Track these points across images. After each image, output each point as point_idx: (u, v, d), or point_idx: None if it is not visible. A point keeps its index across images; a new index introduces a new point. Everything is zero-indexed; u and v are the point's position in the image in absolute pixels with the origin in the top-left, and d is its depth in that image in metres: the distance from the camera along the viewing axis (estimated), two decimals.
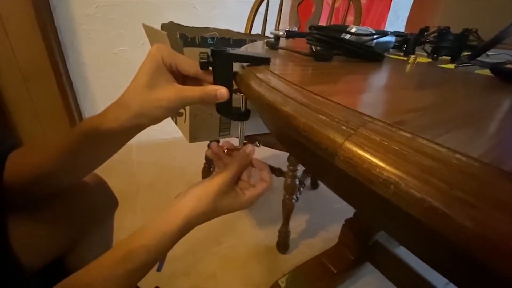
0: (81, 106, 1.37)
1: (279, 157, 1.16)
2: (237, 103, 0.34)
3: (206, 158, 1.09)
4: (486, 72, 0.41)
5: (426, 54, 0.56)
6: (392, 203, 0.12)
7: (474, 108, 0.22)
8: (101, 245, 0.58)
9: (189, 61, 0.33)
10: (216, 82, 0.32)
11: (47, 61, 1.11)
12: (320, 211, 1.22)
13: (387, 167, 0.13)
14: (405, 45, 0.56)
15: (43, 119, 1.20)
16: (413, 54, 0.55)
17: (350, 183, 0.16)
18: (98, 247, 0.57)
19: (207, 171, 1.11)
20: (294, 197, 0.95)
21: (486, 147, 0.14)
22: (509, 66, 0.37)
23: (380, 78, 0.33)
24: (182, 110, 0.79)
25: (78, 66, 1.29)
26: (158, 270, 1.00)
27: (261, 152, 1.17)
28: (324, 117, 0.18)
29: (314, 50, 0.39)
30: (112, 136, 0.33)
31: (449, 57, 0.53)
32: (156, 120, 0.33)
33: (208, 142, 1.09)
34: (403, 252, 0.85)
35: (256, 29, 1.20)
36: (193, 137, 0.78)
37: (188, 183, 1.31)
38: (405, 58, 0.51)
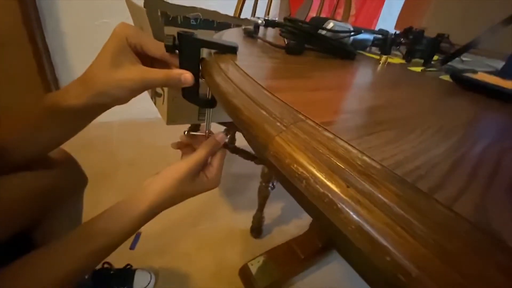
0: (59, 77, 1.32)
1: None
2: (206, 88, 0.34)
3: None
4: (449, 78, 0.43)
5: (401, 55, 0.58)
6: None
7: (414, 112, 0.24)
8: (68, 222, 0.58)
9: (156, 42, 0.32)
10: (182, 66, 0.32)
11: (22, 27, 1.05)
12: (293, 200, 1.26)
13: (303, 164, 0.14)
14: (383, 44, 0.57)
15: (18, 88, 1.14)
16: (389, 54, 0.56)
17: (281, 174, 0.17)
18: (64, 223, 0.57)
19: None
20: (271, 185, 0.97)
21: (394, 152, 0.15)
22: (469, 74, 0.39)
23: (341, 76, 0.34)
24: (160, 91, 0.77)
25: (56, 35, 1.23)
26: (132, 248, 1.01)
27: (243, 140, 1.18)
28: (264, 112, 0.19)
29: (286, 43, 0.39)
30: (74, 113, 0.33)
31: (422, 60, 0.55)
32: (120, 100, 0.33)
33: (187, 125, 1.08)
34: None
35: (247, 13, 1.17)
36: (171, 120, 0.77)
37: (167, 164, 1.30)
38: (379, 58, 0.52)
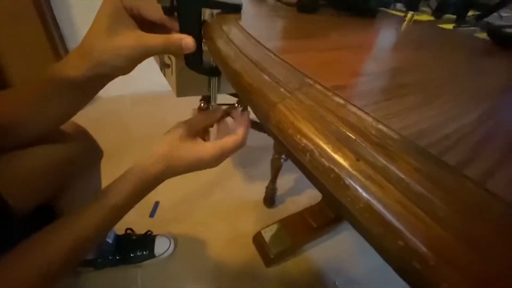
0: (69, 48, 1.32)
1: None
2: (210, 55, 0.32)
3: None
4: (485, 35, 0.38)
5: (430, 10, 0.51)
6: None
7: (442, 75, 0.20)
8: (88, 191, 0.61)
9: (153, 5, 0.29)
10: (182, 30, 0.29)
11: (30, 2, 1.03)
12: None
13: (307, 134, 0.13)
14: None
15: (29, 61, 1.16)
16: (416, 10, 0.49)
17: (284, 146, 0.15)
18: (85, 195, 0.60)
19: None
20: (283, 156, 0.96)
21: (416, 119, 0.13)
22: (510, 30, 0.34)
23: (359, 36, 0.30)
24: (168, 61, 0.75)
25: (64, 8, 1.20)
26: (151, 216, 1.07)
27: None
28: (266, 77, 0.16)
29: (298, 0, 0.35)
30: (76, 85, 0.32)
31: (455, 16, 0.48)
32: (121, 70, 0.31)
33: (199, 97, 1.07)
34: None
35: None
36: (181, 92, 0.75)
37: None
38: (403, 15, 0.46)
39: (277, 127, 0.14)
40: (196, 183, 1.13)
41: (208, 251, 0.92)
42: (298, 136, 0.13)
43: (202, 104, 0.38)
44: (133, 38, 0.28)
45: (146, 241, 0.85)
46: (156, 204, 1.02)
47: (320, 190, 0.17)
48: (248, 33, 0.22)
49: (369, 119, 0.13)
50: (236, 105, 0.38)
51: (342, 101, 0.14)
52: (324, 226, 0.94)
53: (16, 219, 0.47)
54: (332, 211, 0.93)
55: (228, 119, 0.41)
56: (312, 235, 0.93)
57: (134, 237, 0.85)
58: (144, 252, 0.83)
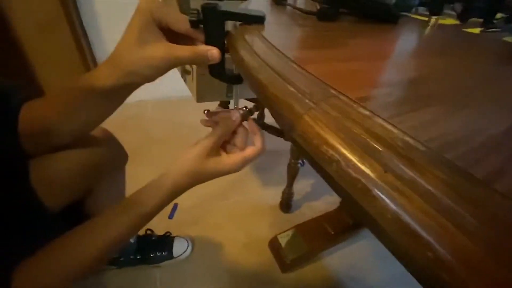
0: (95, 55, 1.39)
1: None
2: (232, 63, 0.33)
3: None
4: None
5: (455, 14, 0.50)
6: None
7: (468, 84, 0.20)
8: (114, 194, 0.64)
9: (180, 17, 0.31)
10: (207, 41, 0.31)
11: (61, 11, 1.10)
12: None
13: (333, 145, 0.13)
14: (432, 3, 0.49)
15: (60, 69, 1.23)
16: (439, 14, 0.48)
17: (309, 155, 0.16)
18: (111, 195, 0.63)
19: None
20: (300, 161, 0.96)
21: (443, 131, 0.13)
22: None
23: (381, 43, 0.30)
24: (189, 68, 0.77)
25: (90, 15, 1.27)
26: (170, 217, 1.09)
27: (270, 116, 1.16)
28: (291, 88, 0.17)
29: (318, 8, 0.35)
30: (106, 93, 0.34)
31: (481, 20, 0.47)
32: (148, 79, 0.33)
33: (218, 102, 1.09)
34: None
35: None
36: (200, 97, 0.78)
37: None
38: (427, 19, 0.45)
39: (302, 137, 0.15)
40: (213, 186, 1.15)
41: (224, 254, 0.93)
42: (324, 146, 0.13)
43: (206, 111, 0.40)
44: (162, 49, 0.30)
45: (165, 242, 0.87)
46: (175, 206, 1.05)
47: (344, 199, 0.17)
48: (271, 44, 0.23)
49: (395, 131, 0.13)
50: (245, 108, 0.40)
51: (367, 113, 0.14)
52: (342, 233, 0.92)
53: (49, 217, 0.50)
54: (351, 219, 0.91)
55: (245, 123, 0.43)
56: (329, 242, 0.92)
57: (153, 238, 0.88)
58: (163, 253, 0.85)
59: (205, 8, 0.28)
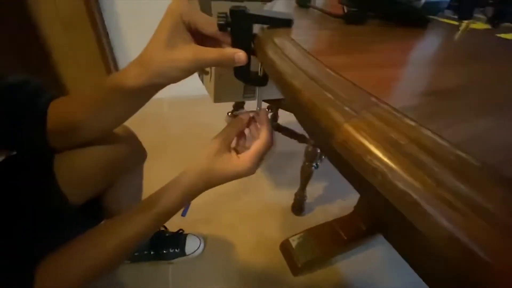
0: (116, 55, 1.42)
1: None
2: (256, 65, 0.33)
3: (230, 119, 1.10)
4: None
5: (485, 18, 0.48)
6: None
7: None
8: (132, 188, 0.66)
9: (209, 19, 0.31)
10: (234, 44, 0.31)
11: (84, 10, 1.13)
12: (340, 180, 1.22)
13: (378, 156, 0.13)
14: (462, 6, 0.48)
15: (82, 67, 1.27)
16: (469, 18, 0.47)
17: (347, 165, 0.16)
18: (129, 192, 0.65)
19: None
20: (314, 164, 0.95)
21: (496, 144, 0.12)
22: None
23: (413, 49, 0.29)
24: (207, 69, 0.78)
25: (112, 15, 1.31)
26: (183, 215, 1.11)
27: (286, 117, 1.16)
28: (329, 95, 0.17)
29: (346, 11, 0.35)
30: (133, 93, 0.35)
31: None
32: (174, 80, 0.33)
33: (233, 102, 1.10)
34: None
35: None
36: (218, 98, 0.78)
37: None
38: (457, 23, 0.44)
39: (343, 147, 0.14)
40: (225, 186, 1.14)
41: (235, 254, 0.93)
42: (368, 156, 0.13)
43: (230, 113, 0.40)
44: (190, 51, 0.31)
45: (178, 239, 0.88)
46: (188, 204, 1.06)
47: (384, 210, 0.17)
48: (304, 49, 0.23)
49: (445, 143, 0.12)
50: (257, 109, 0.39)
51: (413, 123, 0.14)
52: (356, 239, 0.91)
53: (71, 211, 0.52)
54: (365, 225, 0.89)
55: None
56: (342, 247, 0.91)
57: (167, 234, 0.89)
58: (176, 250, 0.86)
59: (234, 11, 0.29)
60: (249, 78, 0.34)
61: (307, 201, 1.06)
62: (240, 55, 0.30)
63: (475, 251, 0.10)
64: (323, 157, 1.02)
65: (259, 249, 0.95)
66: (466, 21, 0.38)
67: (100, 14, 1.26)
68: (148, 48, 0.32)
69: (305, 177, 0.98)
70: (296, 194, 1.04)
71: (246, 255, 0.93)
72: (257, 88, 0.37)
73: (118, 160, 0.53)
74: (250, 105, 1.06)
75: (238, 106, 1.06)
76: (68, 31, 1.15)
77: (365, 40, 0.29)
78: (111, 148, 0.51)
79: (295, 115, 0.30)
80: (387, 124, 0.14)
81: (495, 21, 0.45)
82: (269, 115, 0.39)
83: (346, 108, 0.16)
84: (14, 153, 0.49)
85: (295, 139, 1.12)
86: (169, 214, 0.39)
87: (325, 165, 1.04)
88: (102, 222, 0.64)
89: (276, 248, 0.94)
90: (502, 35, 0.39)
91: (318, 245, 0.89)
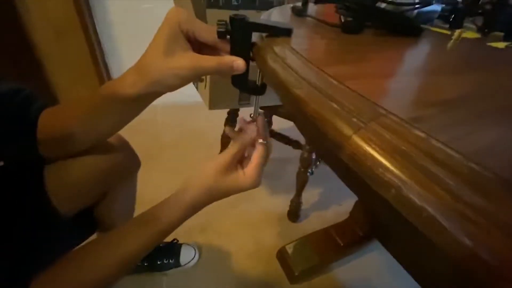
0: (108, 63, 1.41)
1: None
2: (254, 74, 0.33)
3: (225, 125, 1.10)
4: None
5: (475, 27, 0.49)
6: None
7: None
8: (126, 198, 0.64)
9: (207, 27, 0.31)
10: (233, 52, 0.31)
11: (76, 17, 1.12)
12: (335, 186, 1.23)
13: (390, 169, 0.13)
14: (453, 16, 0.49)
15: (74, 74, 1.25)
16: (460, 28, 0.48)
17: (355, 176, 0.15)
18: (121, 201, 0.63)
19: (227, 138, 1.13)
20: (309, 170, 0.95)
21: (510, 157, 0.12)
22: None
23: (412, 58, 0.29)
24: (203, 76, 0.78)
25: (105, 23, 1.30)
26: None
27: (281, 124, 1.16)
28: (335, 105, 0.17)
29: (343, 21, 0.35)
30: (130, 101, 0.34)
31: (502, 33, 0.46)
32: (172, 88, 0.33)
33: (227, 109, 1.09)
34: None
35: None
36: (213, 105, 0.78)
37: (208, 147, 1.36)
38: (449, 32, 0.45)
39: (352, 159, 0.14)
40: None
41: (231, 262, 0.92)
42: (380, 169, 0.13)
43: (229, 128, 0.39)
44: (188, 59, 0.30)
45: (173, 249, 0.86)
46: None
47: (392, 221, 0.17)
48: (304, 57, 0.23)
49: (457, 155, 0.12)
50: (254, 116, 0.39)
51: (423, 135, 0.14)
52: (352, 245, 0.91)
53: (63, 222, 0.50)
54: (361, 230, 0.89)
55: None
56: (339, 254, 0.90)
57: (161, 245, 0.87)
58: (171, 261, 0.84)
59: (234, 19, 0.29)
60: (247, 87, 0.33)
61: (302, 207, 1.05)
62: (238, 63, 0.30)
63: (497, 267, 0.10)
64: (318, 163, 1.02)
65: (256, 257, 0.93)
66: (458, 30, 0.39)
67: (93, 22, 1.25)
68: (146, 56, 0.31)
69: (301, 183, 0.98)
70: (292, 201, 1.04)
71: (242, 263, 0.92)
72: (255, 97, 0.36)
73: (111, 169, 0.51)
74: (245, 112, 1.06)
75: (233, 113, 1.05)
76: (60, 39, 1.13)
77: (363, 50, 0.30)
78: (103, 157, 0.49)
79: (297, 124, 0.30)
80: (397, 136, 0.14)
81: (485, 30, 0.47)
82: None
83: (354, 119, 0.15)
84: (2, 163, 0.47)
85: (290, 145, 1.12)
86: (170, 230, 0.38)
87: (320, 171, 1.05)
88: (95, 234, 0.62)
89: (273, 256, 0.93)
90: (493, 44, 0.40)
91: (315, 252, 0.88)
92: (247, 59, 0.30)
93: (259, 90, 0.34)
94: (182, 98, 1.67)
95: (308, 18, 0.44)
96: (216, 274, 0.88)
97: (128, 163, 0.56)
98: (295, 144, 1.03)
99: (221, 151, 1.22)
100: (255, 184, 0.39)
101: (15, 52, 1.06)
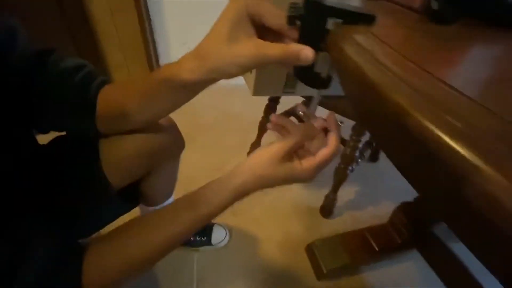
0: (156, 42, 1.44)
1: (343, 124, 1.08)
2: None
3: (265, 112, 1.07)
4: None
5: None
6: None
7: None
8: (169, 176, 0.67)
9: (276, 12, 0.28)
10: (302, 40, 0.27)
11: None
12: (373, 186, 1.16)
13: None
14: None
15: (125, 51, 1.30)
16: None
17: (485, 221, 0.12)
18: (166, 177, 0.66)
19: (265, 125, 1.11)
20: (350, 167, 0.90)
21: None
22: None
23: None
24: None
25: (157, 3, 1.31)
26: None
27: (321, 113, 1.10)
28: (457, 123, 0.13)
29: (432, 7, 0.29)
30: (186, 87, 0.33)
31: None
32: (231, 76, 0.31)
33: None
34: (459, 250, 0.77)
35: None
36: (257, 91, 0.75)
37: (243, 131, 1.36)
38: None
39: (486, 200, 0.11)
40: None
41: (259, 249, 0.93)
42: None
43: (300, 113, 0.37)
44: (252, 47, 0.28)
45: (205, 227, 0.89)
46: None
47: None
48: (401, 54, 0.19)
49: None
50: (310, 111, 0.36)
51: None
52: (388, 251, 0.86)
53: (110, 195, 0.53)
54: (400, 236, 0.84)
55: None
56: (372, 258, 0.86)
57: None
58: (203, 238, 0.87)
59: (310, 2, 0.25)
60: (311, 79, 0.30)
61: (337, 204, 1.01)
62: (307, 52, 0.26)
63: None
64: (359, 160, 0.96)
65: (284, 248, 0.93)
66: None
67: (145, 1, 1.26)
68: (207, 41, 0.29)
69: (339, 180, 0.93)
70: (326, 196, 1.00)
71: (269, 252, 0.92)
72: (317, 91, 0.33)
73: (159, 149, 0.52)
74: (287, 100, 1.02)
75: (274, 100, 1.02)
76: (114, 15, 1.17)
77: (468, 45, 0.24)
78: (153, 137, 0.50)
79: (374, 132, 0.26)
80: None
81: None
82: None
83: (486, 144, 0.12)
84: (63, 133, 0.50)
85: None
86: (216, 213, 0.37)
87: (358, 168, 0.98)
88: (139, 207, 0.65)
89: (301, 249, 0.92)
90: None
91: (346, 252, 0.85)
92: (317, 48, 0.27)
93: (324, 83, 0.31)
94: (222, 81, 1.67)
95: (383, 2, 0.39)
96: (244, 259, 0.90)
97: (175, 144, 0.57)
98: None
99: (258, 137, 1.21)
100: (308, 179, 0.36)
101: (75, 27, 1.13)
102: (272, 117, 0.39)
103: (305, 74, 0.30)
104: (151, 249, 0.36)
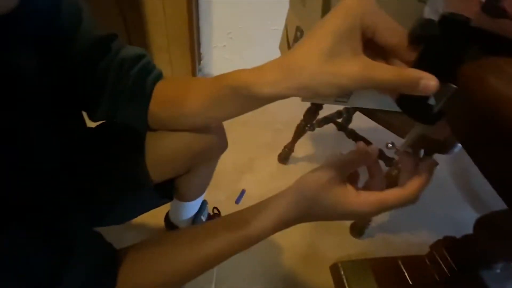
0: (200, 30, 1.41)
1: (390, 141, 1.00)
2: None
3: (305, 116, 1.01)
4: None
5: None
6: None
7: None
8: (206, 175, 0.65)
9: (395, 26, 0.22)
10: (422, 64, 0.22)
11: None
12: (412, 212, 1.07)
13: None
14: None
15: (170, 36, 1.28)
16: None
17: None
18: (203, 176, 0.64)
19: (302, 129, 1.05)
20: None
21: None
22: None
23: None
24: None
25: None
26: (237, 202, 1.09)
27: (376, 134, 1.01)
28: None
29: None
30: (263, 100, 0.29)
31: None
32: (319, 96, 0.26)
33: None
34: None
35: None
36: (307, 97, 0.70)
37: (275, 132, 1.30)
38: None
39: None
40: (283, 181, 1.10)
41: (282, 258, 0.89)
42: None
43: (388, 145, 0.31)
44: (357, 67, 0.22)
45: None
46: (243, 192, 1.04)
47: None
48: None
49: None
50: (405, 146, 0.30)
51: None
52: (422, 287, 0.78)
53: (148, 188, 0.51)
54: (440, 274, 0.76)
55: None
56: None
57: None
58: None
59: (450, 19, 0.19)
60: (420, 112, 0.25)
61: (370, 225, 0.95)
62: (429, 83, 0.21)
63: None
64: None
65: (308, 262, 0.89)
66: None
67: None
68: (300, 52, 0.24)
69: None
70: None
71: (292, 263, 0.88)
72: (418, 125, 0.27)
73: (206, 149, 0.50)
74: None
75: (316, 106, 0.96)
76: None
77: None
78: (202, 136, 0.48)
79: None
80: None
81: None
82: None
83: None
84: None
85: (380, 159, 0.99)
86: (259, 237, 0.34)
87: None
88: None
89: (325, 265, 0.87)
90: None
91: (375, 280, 0.79)
92: (443, 78, 0.21)
93: (433, 118, 0.25)
94: None
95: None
96: (264, 265, 0.87)
97: (219, 146, 0.55)
98: (387, 160, 0.87)
99: (293, 140, 1.15)
100: (366, 216, 0.32)
101: (125, 7, 1.13)
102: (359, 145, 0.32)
103: (414, 106, 0.24)
104: (182, 266, 0.34)
